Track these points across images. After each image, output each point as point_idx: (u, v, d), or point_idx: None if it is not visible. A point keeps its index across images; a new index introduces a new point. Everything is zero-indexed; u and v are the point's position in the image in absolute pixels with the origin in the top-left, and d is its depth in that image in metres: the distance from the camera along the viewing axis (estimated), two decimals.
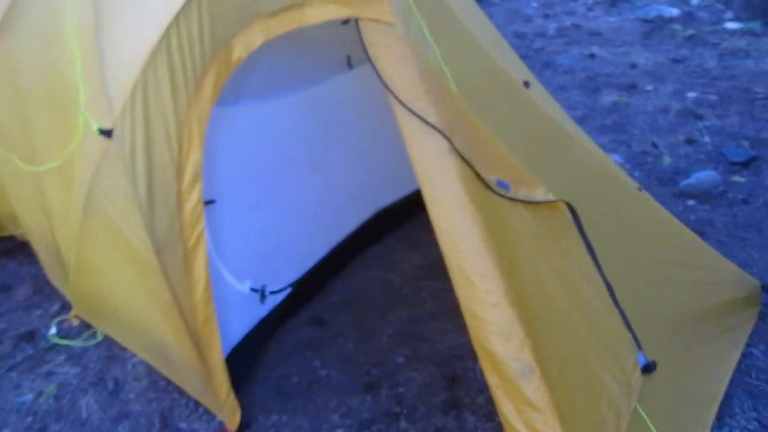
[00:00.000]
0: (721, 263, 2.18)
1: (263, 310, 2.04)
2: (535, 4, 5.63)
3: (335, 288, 2.52)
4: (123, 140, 1.51)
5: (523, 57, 4.54)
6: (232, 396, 1.81)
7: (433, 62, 1.56)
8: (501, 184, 1.64)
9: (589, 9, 5.49)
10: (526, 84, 1.85)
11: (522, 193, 1.66)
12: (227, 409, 1.81)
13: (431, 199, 1.47)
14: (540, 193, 1.69)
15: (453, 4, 1.80)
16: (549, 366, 1.47)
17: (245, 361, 1.96)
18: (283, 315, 2.27)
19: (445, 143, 1.46)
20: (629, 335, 1.73)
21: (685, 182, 2.96)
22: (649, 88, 4.13)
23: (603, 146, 3.41)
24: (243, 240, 1.89)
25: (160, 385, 2.11)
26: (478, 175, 1.55)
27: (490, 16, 5.30)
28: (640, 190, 2.03)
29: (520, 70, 1.92)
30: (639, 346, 1.74)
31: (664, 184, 3.07)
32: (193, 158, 1.62)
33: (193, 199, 1.66)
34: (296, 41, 1.80)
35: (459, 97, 1.59)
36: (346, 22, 1.60)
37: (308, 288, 2.32)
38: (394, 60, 1.53)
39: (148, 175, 1.56)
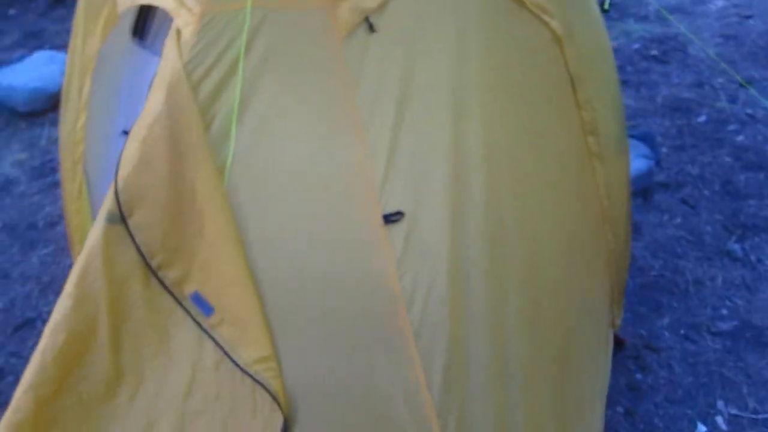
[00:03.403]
0: None
1: None
2: None
3: None
4: None
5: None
6: None
7: (194, 128, 1.18)
8: (198, 300, 1.25)
9: None
10: (390, 217, 1.21)
11: (226, 333, 1.24)
12: None
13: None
14: (247, 356, 1.22)
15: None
16: None
17: None
18: None
19: (108, 207, 1.18)
20: None
21: None
22: None
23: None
24: None
25: None
26: (153, 271, 1.21)
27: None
28: None
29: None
30: None
31: None
32: (85, 89, 1.80)
33: (80, 121, 1.84)
34: None
35: (210, 184, 1.20)
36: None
37: None
38: (156, 88, 1.24)
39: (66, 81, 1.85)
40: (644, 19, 4.39)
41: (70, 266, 2.63)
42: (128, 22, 1.82)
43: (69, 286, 1.22)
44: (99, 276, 1.22)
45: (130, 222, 1.22)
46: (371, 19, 1.28)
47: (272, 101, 1.25)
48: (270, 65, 1.24)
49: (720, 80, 3.62)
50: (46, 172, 3.22)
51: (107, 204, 1.23)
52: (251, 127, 1.25)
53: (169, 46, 1.28)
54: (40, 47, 4.43)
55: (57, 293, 2.58)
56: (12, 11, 5.09)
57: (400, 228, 1.24)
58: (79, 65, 1.76)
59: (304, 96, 1.25)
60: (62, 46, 4.48)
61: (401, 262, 1.23)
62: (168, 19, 1.61)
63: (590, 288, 1.61)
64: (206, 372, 1.26)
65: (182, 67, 1.23)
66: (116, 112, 1.97)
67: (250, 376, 1.22)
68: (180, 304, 1.25)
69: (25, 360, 2.21)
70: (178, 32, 1.27)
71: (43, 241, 2.78)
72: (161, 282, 1.24)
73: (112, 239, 1.23)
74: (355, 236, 1.24)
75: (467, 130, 1.30)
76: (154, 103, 1.25)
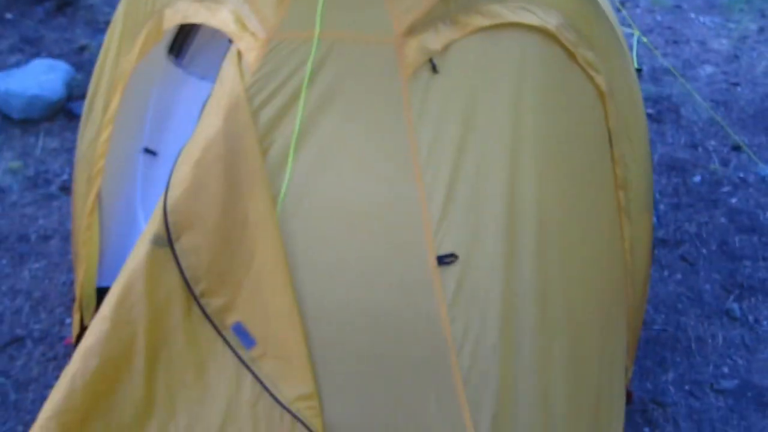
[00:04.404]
0: None
1: None
2: None
3: None
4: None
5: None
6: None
7: (252, 154, 1.16)
8: (240, 331, 1.20)
9: None
10: (444, 259, 1.21)
11: (268, 368, 1.19)
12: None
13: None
14: (288, 392, 1.17)
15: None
16: None
17: None
18: None
19: (154, 229, 1.14)
20: None
21: None
22: None
23: None
24: None
25: None
26: (196, 297, 1.17)
27: None
28: None
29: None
30: None
31: None
32: (113, 103, 1.69)
33: (104, 135, 1.74)
34: None
35: (263, 213, 1.17)
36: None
37: None
38: (212, 111, 1.22)
39: (92, 94, 1.79)
40: (638, 78, 4.52)
41: (65, 283, 2.56)
42: (166, 40, 1.80)
43: (106, 309, 1.16)
44: (140, 299, 1.16)
45: (177, 246, 1.17)
46: (435, 61, 1.29)
47: (333, 134, 1.23)
48: (333, 97, 1.22)
49: (712, 143, 3.73)
50: (41, 183, 3.09)
51: (153, 226, 1.18)
52: (310, 158, 1.22)
53: (229, 69, 1.25)
54: (37, 54, 4.32)
55: (48, 310, 2.50)
56: (9, 15, 4.97)
57: (453, 271, 1.21)
58: (108, 79, 1.72)
59: (365, 131, 1.24)
60: (61, 55, 4.37)
61: (453, 306, 1.20)
62: (217, 41, 1.60)
63: (618, 343, 1.60)
64: (242, 408, 1.20)
65: (243, 92, 1.22)
66: (139, 129, 1.93)
67: (291, 413, 1.18)
68: (221, 334, 1.20)
69: (12, 380, 2.08)
70: (239, 56, 1.26)
71: (34, 255, 2.65)
72: (203, 310, 1.20)
73: (157, 262, 1.17)
74: (408, 276, 1.21)
75: (522, 179, 1.30)
76: (209, 125, 1.22)
